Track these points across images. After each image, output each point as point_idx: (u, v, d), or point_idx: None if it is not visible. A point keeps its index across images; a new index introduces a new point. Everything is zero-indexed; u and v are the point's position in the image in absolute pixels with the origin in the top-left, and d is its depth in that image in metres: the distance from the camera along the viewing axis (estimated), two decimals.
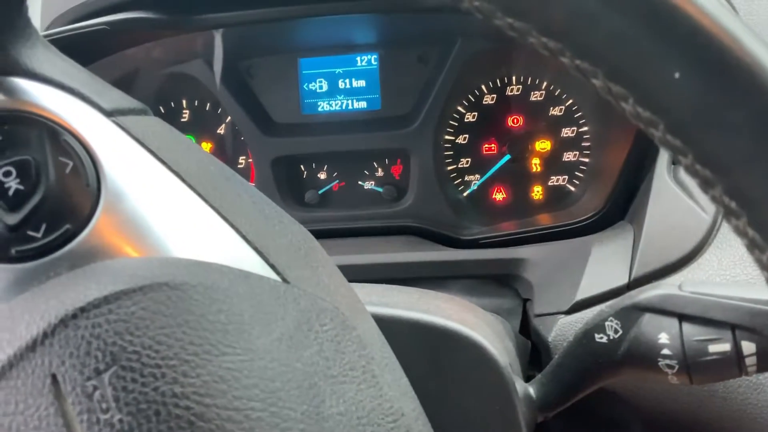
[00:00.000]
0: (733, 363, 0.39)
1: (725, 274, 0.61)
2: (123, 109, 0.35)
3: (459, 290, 0.79)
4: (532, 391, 0.49)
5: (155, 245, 0.32)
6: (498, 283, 0.80)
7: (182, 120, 0.92)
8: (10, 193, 0.31)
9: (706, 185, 0.26)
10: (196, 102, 0.92)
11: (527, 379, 0.65)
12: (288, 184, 0.91)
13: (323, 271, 0.40)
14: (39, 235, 0.30)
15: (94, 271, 0.30)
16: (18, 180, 0.31)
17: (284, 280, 0.36)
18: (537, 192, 0.88)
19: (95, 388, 0.26)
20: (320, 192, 0.92)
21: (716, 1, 0.24)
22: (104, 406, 0.26)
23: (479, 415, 0.46)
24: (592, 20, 0.25)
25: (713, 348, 0.39)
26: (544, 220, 0.84)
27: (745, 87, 0.23)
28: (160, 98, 0.92)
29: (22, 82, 0.33)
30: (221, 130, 0.92)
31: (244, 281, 0.32)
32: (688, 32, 0.23)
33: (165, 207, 0.33)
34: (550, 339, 0.65)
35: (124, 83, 0.88)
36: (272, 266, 0.36)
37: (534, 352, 0.72)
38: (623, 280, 0.64)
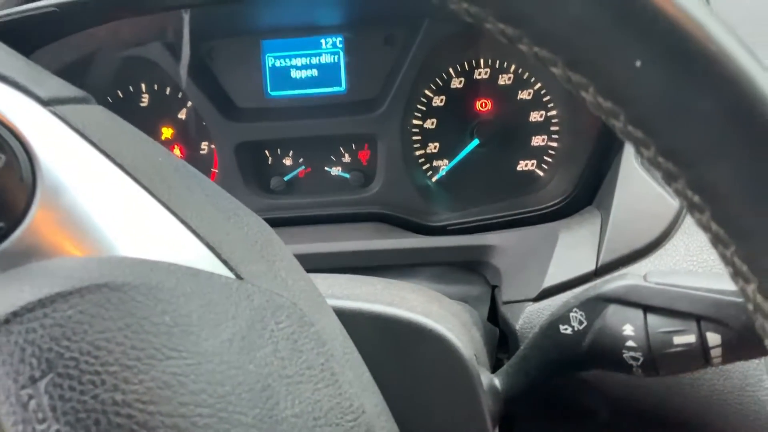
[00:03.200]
0: (699, 354, 0.39)
1: (692, 259, 0.61)
2: (61, 97, 0.33)
3: (427, 278, 0.78)
4: (497, 382, 0.48)
5: (97, 243, 0.30)
6: (466, 270, 0.79)
7: (141, 105, 0.90)
8: None
9: (669, 178, 0.25)
10: (156, 86, 0.89)
11: (496, 364, 0.65)
12: (252, 170, 0.89)
13: (280, 264, 0.38)
14: None
15: (28, 272, 0.28)
16: None
17: (237, 276, 0.34)
18: (506, 177, 0.87)
19: (30, 396, 0.25)
20: (286, 178, 0.90)
21: None
22: (40, 416, 0.25)
23: (444, 408, 0.45)
24: (551, 6, 0.23)
25: (678, 339, 0.39)
26: (513, 205, 0.83)
27: (710, 77, 0.22)
28: (117, 82, 0.89)
29: None
30: (182, 115, 0.90)
31: (192, 280, 0.31)
32: (650, 19, 0.22)
33: (107, 202, 0.31)
34: (517, 327, 0.64)
35: (79, 67, 0.84)
36: (224, 262, 0.34)
37: (502, 339, 0.71)
38: (590, 266, 0.64)
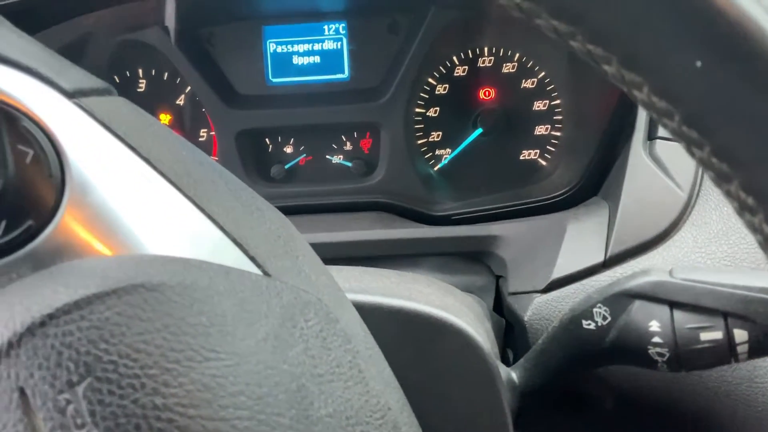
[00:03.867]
0: (725, 351, 0.39)
1: (701, 251, 0.61)
2: (85, 89, 0.32)
3: (431, 268, 0.78)
4: (514, 376, 0.48)
5: (127, 241, 0.29)
6: (470, 260, 0.79)
7: (138, 90, 0.88)
8: None
9: (721, 179, 0.25)
10: (153, 71, 0.87)
11: (501, 357, 0.65)
12: (253, 158, 0.88)
13: (303, 260, 0.38)
14: None
15: (61, 272, 0.27)
16: None
17: (265, 272, 0.33)
18: (509, 166, 0.86)
19: (68, 402, 0.24)
20: (286, 167, 0.89)
21: None
22: (79, 421, 0.24)
23: (464, 403, 0.45)
24: (610, 4, 0.23)
25: (705, 336, 0.39)
26: (517, 195, 0.83)
27: None
28: (114, 67, 0.87)
29: None
30: (180, 101, 0.88)
31: (224, 278, 0.30)
32: (713, 19, 0.22)
33: (136, 198, 0.31)
34: (526, 318, 0.64)
35: (74, 52, 0.82)
36: (252, 258, 0.33)
37: (507, 330, 0.71)
38: (599, 258, 0.64)
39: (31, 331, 0.25)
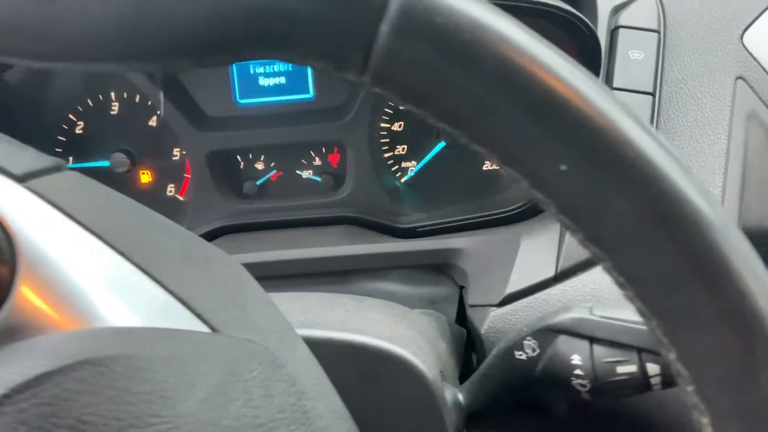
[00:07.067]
0: (640, 382, 0.42)
1: None
2: (35, 171, 0.34)
3: (396, 280, 0.81)
4: (461, 397, 0.52)
5: (78, 315, 0.32)
6: (435, 270, 0.82)
7: (112, 113, 0.90)
8: None
9: (597, 258, 0.28)
10: (125, 94, 0.90)
11: (466, 362, 0.68)
12: (225, 176, 0.90)
13: (252, 306, 0.40)
14: None
15: (15, 352, 0.30)
16: None
17: (212, 328, 0.36)
18: (473, 178, 0.89)
19: None
20: (258, 183, 0.91)
21: (603, 94, 0.25)
22: None
23: (410, 430, 0.48)
24: (484, 110, 0.26)
25: (621, 369, 0.42)
26: (479, 207, 0.85)
27: (631, 180, 0.25)
28: (87, 90, 0.89)
29: None
30: (153, 123, 0.91)
31: (167, 342, 0.33)
32: (570, 130, 0.25)
33: (86, 272, 0.33)
34: (482, 331, 0.67)
35: (46, 76, 0.84)
36: (199, 316, 0.36)
37: (472, 339, 0.74)
38: (550, 272, 0.67)
39: None
